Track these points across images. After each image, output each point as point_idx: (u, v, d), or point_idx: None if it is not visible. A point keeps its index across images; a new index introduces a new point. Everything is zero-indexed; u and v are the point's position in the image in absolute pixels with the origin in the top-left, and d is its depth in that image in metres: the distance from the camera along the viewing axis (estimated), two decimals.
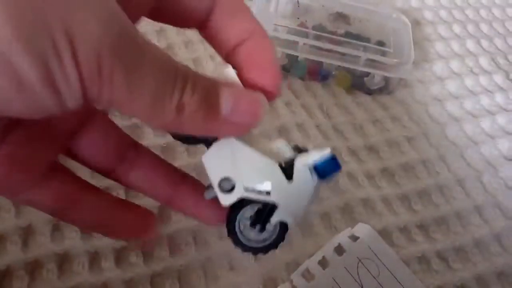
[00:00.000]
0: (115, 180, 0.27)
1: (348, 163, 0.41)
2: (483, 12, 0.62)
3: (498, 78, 0.53)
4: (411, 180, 0.42)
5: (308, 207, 0.24)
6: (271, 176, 0.23)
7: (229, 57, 0.25)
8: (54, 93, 0.17)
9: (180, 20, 0.25)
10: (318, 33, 0.47)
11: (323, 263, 0.33)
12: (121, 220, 0.28)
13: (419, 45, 0.54)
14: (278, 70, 0.24)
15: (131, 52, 0.18)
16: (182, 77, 0.20)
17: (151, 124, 0.21)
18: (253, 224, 0.25)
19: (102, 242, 0.33)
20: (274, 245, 0.25)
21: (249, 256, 0.34)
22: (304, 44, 0.45)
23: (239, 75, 0.24)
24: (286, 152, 0.24)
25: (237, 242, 0.25)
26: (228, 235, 0.25)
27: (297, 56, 0.46)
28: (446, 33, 0.57)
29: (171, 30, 0.49)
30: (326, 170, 0.23)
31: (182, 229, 0.35)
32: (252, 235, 0.25)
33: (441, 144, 0.45)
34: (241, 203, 0.24)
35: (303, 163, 0.23)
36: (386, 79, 0.47)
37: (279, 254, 0.34)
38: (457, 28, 0.58)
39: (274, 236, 0.25)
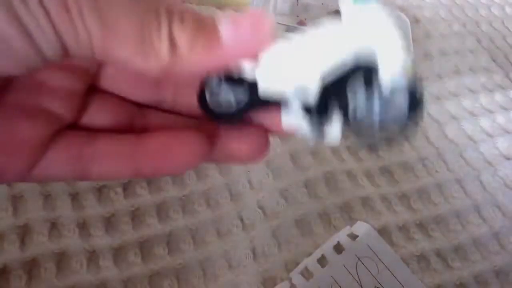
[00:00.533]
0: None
1: (347, 162, 0.41)
2: (482, 11, 0.61)
3: (497, 77, 0.53)
4: (410, 179, 0.42)
5: None
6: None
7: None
8: (27, 38, 0.17)
9: None
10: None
11: (322, 261, 0.33)
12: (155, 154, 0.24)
13: (418, 43, 0.54)
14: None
15: None
16: (166, 10, 0.18)
17: (148, 73, 0.19)
18: None
19: (100, 241, 0.33)
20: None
21: (248, 255, 0.34)
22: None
23: None
24: None
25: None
26: None
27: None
28: (445, 31, 0.57)
29: None
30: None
31: (181, 227, 0.34)
32: None
33: (440, 143, 0.45)
34: None
35: None
36: None
37: (277, 253, 0.34)
38: (456, 26, 0.58)
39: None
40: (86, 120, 0.24)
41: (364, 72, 0.18)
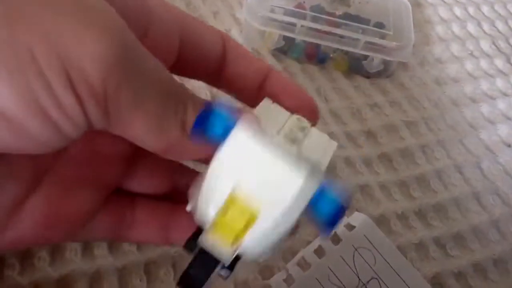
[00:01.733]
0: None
1: (345, 149, 0.41)
2: None
3: (499, 62, 0.52)
4: (410, 166, 0.41)
5: None
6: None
7: (254, 100, 0.24)
8: (46, 123, 0.16)
9: (197, 71, 0.24)
10: (316, 14, 0.46)
11: (319, 252, 0.33)
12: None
13: (419, 27, 0.53)
14: (310, 97, 0.24)
15: (138, 69, 0.17)
16: (184, 95, 0.19)
17: (155, 146, 0.19)
18: None
19: None
20: None
21: None
22: (302, 26, 0.44)
23: None
24: None
25: None
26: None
27: (294, 38, 0.45)
28: (447, 15, 0.56)
29: None
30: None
31: None
32: None
33: (440, 130, 0.44)
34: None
35: None
36: (385, 63, 0.47)
37: None
38: (457, 10, 0.57)
39: None
40: (130, 184, 0.25)
41: None
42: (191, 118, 0.19)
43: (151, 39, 0.21)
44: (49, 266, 0.30)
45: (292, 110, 0.23)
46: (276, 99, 0.23)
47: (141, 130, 0.18)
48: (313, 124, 0.22)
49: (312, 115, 0.23)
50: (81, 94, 0.16)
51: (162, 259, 0.32)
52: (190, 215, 0.21)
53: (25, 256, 0.31)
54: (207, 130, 0.19)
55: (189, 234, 0.21)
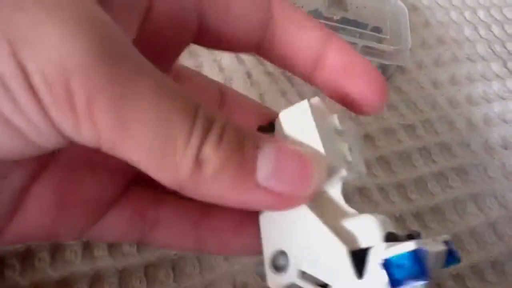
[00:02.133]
0: None
1: None
2: None
3: (495, 66, 0.52)
4: (407, 169, 0.41)
5: None
6: (336, 266, 0.16)
7: (312, 77, 0.20)
8: (7, 129, 0.14)
9: (232, 42, 0.20)
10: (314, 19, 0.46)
11: None
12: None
13: (416, 31, 0.53)
14: (379, 75, 0.20)
15: (121, 74, 0.14)
16: (205, 118, 0.15)
17: (159, 179, 0.15)
18: None
19: None
20: None
21: None
22: None
23: (333, 94, 0.20)
24: (374, 231, 0.17)
25: None
26: None
27: None
28: (443, 19, 0.56)
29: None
30: (401, 272, 0.15)
31: None
32: None
33: (437, 132, 0.45)
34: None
35: (381, 258, 0.16)
36: (383, 66, 0.47)
37: None
38: (454, 14, 0.57)
39: None
40: None
41: None
42: (213, 153, 0.15)
43: (157, 12, 0.17)
44: (49, 267, 0.30)
45: (352, 96, 0.19)
46: (334, 80, 0.20)
47: (137, 157, 0.15)
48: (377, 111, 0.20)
49: (380, 101, 0.19)
50: (42, 98, 0.13)
51: (162, 261, 0.32)
52: (225, 217, 0.20)
53: (26, 257, 0.31)
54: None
55: (223, 237, 0.20)
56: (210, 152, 0.15)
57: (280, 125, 0.18)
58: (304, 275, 0.17)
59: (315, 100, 0.19)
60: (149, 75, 0.14)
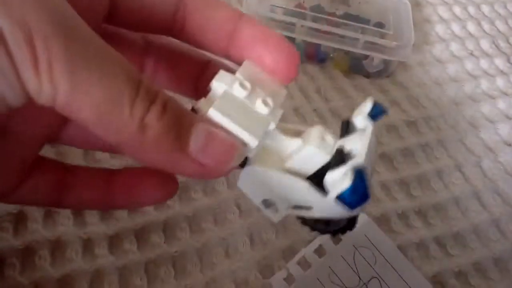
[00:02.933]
0: None
1: None
2: None
3: (499, 62, 0.52)
4: (410, 166, 0.41)
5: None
6: (307, 195, 0.21)
7: (227, 52, 0.22)
8: None
9: (144, 23, 0.22)
10: (316, 14, 0.46)
11: (319, 251, 0.33)
12: (126, 190, 0.25)
13: (419, 26, 0.53)
14: (290, 46, 0.21)
15: (75, 42, 0.16)
16: (147, 89, 0.17)
17: (106, 137, 0.18)
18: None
19: (95, 229, 0.32)
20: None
21: (245, 242, 0.34)
22: (302, 25, 0.44)
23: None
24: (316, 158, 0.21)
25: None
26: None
27: (294, 38, 0.45)
28: (447, 14, 0.56)
29: None
30: (352, 199, 0.20)
31: (177, 215, 0.34)
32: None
33: (440, 129, 0.44)
34: None
35: (329, 184, 0.21)
36: (385, 62, 0.47)
37: (275, 241, 0.34)
38: (457, 10, 0.57)
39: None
40: (65, 136, 0.24)
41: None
42: (155, 121, 0.17)
43: None
44: (49, 266, 0.30)
45: (272, 64, 0.21)
46: (247, 54, 0.21)
47: (87, 115, 0.17)
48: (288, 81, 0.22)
49: (292, 68, 0.21)
50: (15, 56, 0.15)
51: (162, 259, 0.32)
52: (131, 175, 0.25)
53: (26, 255, 0.31)
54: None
55: (134, 195, 0.24)
56: (154, 119, 0.17)
57: (213, 93, 0.21)
58: (291, 207, 0.23)
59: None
60: (98, 45, 0.17)
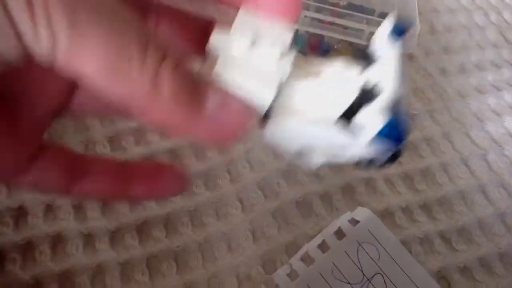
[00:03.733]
0: None
1: None
2: None
3: (506, 53, 0.51)
4: (414, 159, 0.41)
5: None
6: (338, 139, 0.20)
7: None
8: None
9: None
10: (319, 4, 0.45)
11: (323, 247, 0.33)
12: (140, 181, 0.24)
13: (425, 16, 0.52)
14: None
15: None
16: (157, 46, 0.16)
17: (112, 94, 0.16)
18: None
19: (96, 223, 0.32)
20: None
21: (247, 237, 0.34)
22: (305, 16, 0.43)
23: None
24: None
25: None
26: None
27: (297, 30, 0.45)
28: (453, 4, 0.55)
29: None
30: (393, 134, 0.19)
31: (179, 209, 0.34)
32: None
33: (445, 122, 0.44)
34: None
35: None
36: None
37: (277, 236, 0.34)
38: (464, 0, 0.56)
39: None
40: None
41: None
42: (169, 76, 0.16)
43: None
44: (50, 261, 0.30)
45: (266, 11, 0.20)
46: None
47: (91, 69, 0.15)
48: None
49: (293, 3, 0.20)
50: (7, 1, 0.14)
51: (164, 254, 0.32)
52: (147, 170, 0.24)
53: (26, 250, 0.30)
54: None
55: (149, 186, 0.23)
56: (167, 76, 0.16)
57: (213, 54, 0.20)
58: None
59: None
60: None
